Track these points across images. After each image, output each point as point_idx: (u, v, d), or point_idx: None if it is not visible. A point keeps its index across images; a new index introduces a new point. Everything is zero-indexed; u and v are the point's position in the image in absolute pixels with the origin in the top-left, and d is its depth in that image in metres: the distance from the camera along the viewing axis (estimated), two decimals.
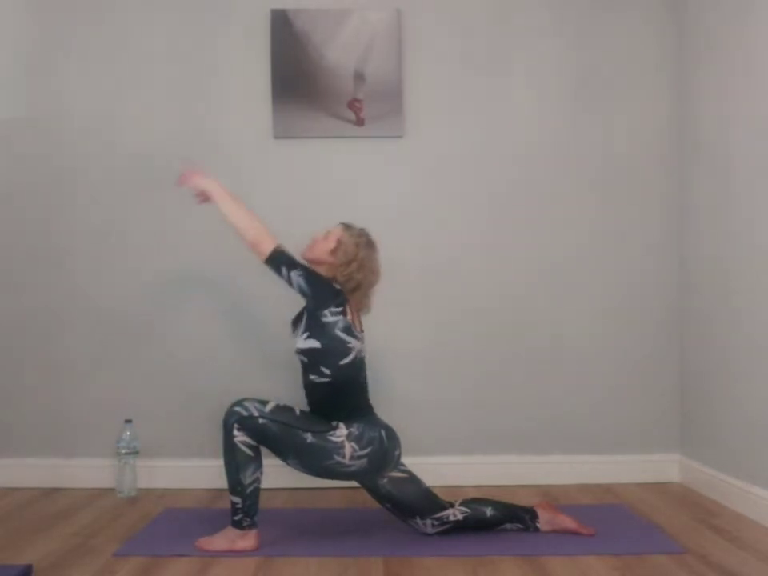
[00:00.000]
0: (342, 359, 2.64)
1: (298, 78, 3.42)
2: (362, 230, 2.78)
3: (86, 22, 3.46)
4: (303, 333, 2.66)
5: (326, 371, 2.63)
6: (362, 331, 2.74)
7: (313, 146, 3.45)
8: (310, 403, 2.72)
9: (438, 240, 3.47)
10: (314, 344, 2.63)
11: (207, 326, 3.45)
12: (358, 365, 2.70)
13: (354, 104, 3.43)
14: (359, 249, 2.70)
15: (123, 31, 3.46)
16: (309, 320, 2.66)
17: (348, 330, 2.64)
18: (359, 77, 3.42)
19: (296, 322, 2.73)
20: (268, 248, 2.62)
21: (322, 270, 2.71)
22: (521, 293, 3.46)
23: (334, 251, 2.70)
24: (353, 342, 2.65)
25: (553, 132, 3.47)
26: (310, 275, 2.62)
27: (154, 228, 3.46)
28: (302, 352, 2.67)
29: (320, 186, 3.46)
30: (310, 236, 2.79)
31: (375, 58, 3.42)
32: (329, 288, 2.65)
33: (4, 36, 3.49)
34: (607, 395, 3.45)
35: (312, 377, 2.66)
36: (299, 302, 3.38)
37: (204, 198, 2.75)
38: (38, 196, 3.46)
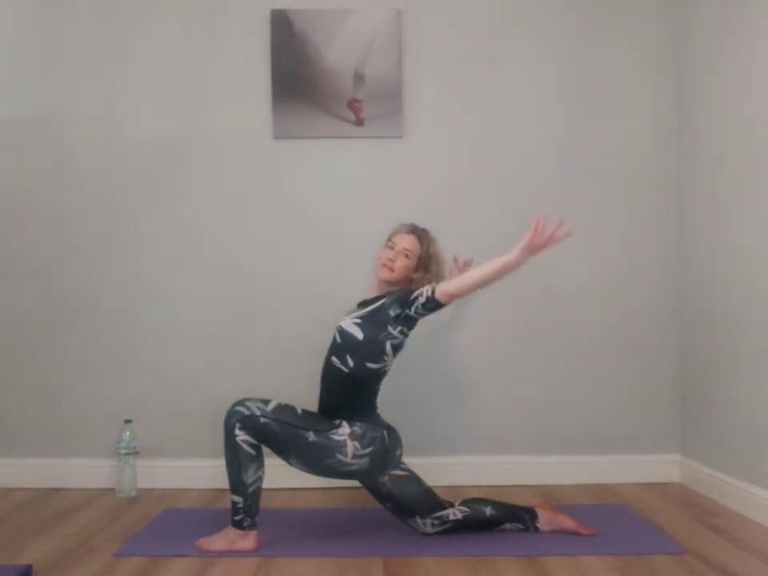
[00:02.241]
0: (370, 362, 2.64)
1: (297, 78, 3.42)
2: (426, 231, 2.81)
3: (87, 22, 3.46)
4: (356, 318, 2.67)
5: (350, 363, 2.64)
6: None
7: (313, 146, 3.45)
8: (321, 387, 2.72)
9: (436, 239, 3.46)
10: (357, 333, 2.64)
11: (208, 325, 3.45)
12: (379, 375, 2.70)
13: (353, 104, 3.43)
14: (438, 255, 2.76)
15: (123, 31, 3.46)
16: (374, 313, 2.66)
17: (397, 349, 2.66)
18: (359, 77, 3.42)
19: (362, 304, 2.74)
20: (442, 295, 2.56)
21: (405, 280, 2.73)
22: (521, 293, 3.45)
23: (422, 266, 2.74)
24: (390, 359, 2.66)
25: (553, 132, 3.47)
26: (429, 309, 2.60)
27: (154, 228, 3.46)
28: (341, 332, 2.67)
29: (320, 186, 3.46)
30: (386, 258, 2.79)
31: (375, 58, 3.42)
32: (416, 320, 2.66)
33: (4, 36, 3.49)
34: (607, 395, 3.45)
35: (334, 359, 2.67)
36: (299, 302, 3.40)
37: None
38: (38, 196, 3.46)
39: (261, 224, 3.45)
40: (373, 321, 2.65)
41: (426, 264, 2.74)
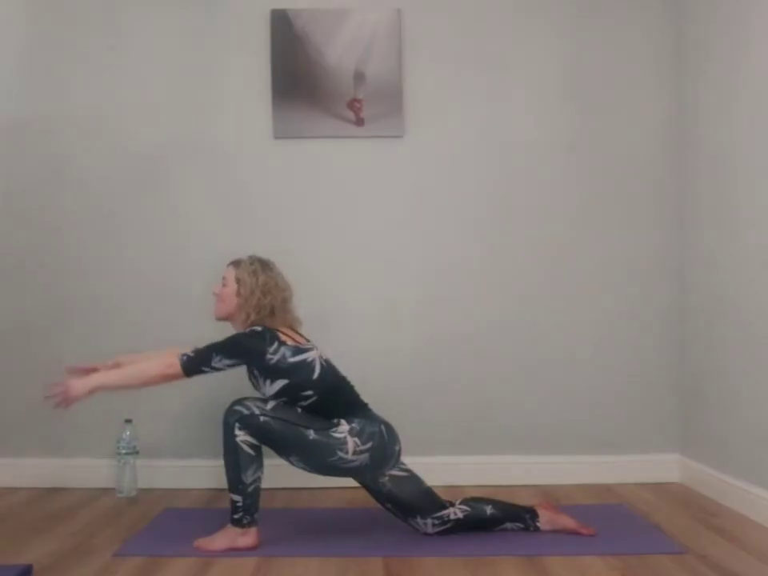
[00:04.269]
0: (312, 375, 2.63)
1: (298, 78, 3.42)
2: (250, 257, 2.80)
3: (86, 22, 3.46)
4: (265, 381, 2.65)
5: (308, 392, 2.63)
6: (309, 340, 2.75)
7: (313, 146, 3.45)
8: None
9: (437, 239, 3.47)
10: (282, 383, 2.62)
11: (207, 325, 3.44)
12: (329, 368, 2.70)
13: (353, 104, 3.43)
14: (256, 275, 2.73)
15: (123, 31, 3.46)
16: (260, 371, 2.65)
17: (297, 351, 2.64)
18: (359, 77, 3.42)
19: (251, 378, 2.73)
20: (176, 368, 2.57)
21: (240, 317, 2.72)
22: (521, 292, 3.46)
23: (238, 292, 2.72)
24: (310, 355, 2.65)
25: (553, 132, 3.47)
26: (226, 349, 2.60)
27: (153, 227, 3.46)
28: (277, 395, 2.65)
29: (320, 186, 3.46)
30: (213, 291, 2.83)
31: (375, 58, 3.42)
32: (249, 338, 2.63)
33: (4, 36, 3.49)
34: (607, 395, 3.45)
35: (298, 404, 2.66)
36: (299, 302, 3.38)
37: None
38: (38, 196, 3.46)
39: (261, 224, 3.45)
40: (270, 371, 2.62)
41: (238, 288, 2.73)
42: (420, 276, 3.45)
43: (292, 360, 2.62)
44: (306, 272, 3.43)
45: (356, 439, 2.57)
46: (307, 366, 2.64)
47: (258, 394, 2.68)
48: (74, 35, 3.46)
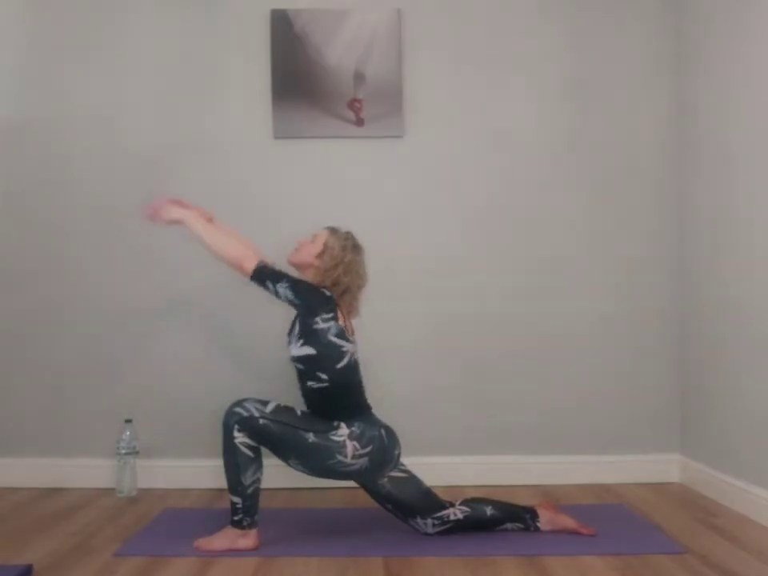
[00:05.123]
0: (337, 363, 2.64)
1: (297, 78, 3.42)
2: (348, 233, 2.80)
3: (86, 22, 3.46)
4: (298, 340, 2.66)
5: (324, 376, 2.64)
6: (353, 334, 2.76)
7: (313, 146, 3.45)
8: (309, 407, 2.72)
9: (437, 239, 3.47)
10: (309, 350, 2.64)
11: (207, 325, 3.45)
12: (353, 367, 2.71)
13: (353, 104, 3.43)
14: (345, 252, 2.73)
15: (123, 31, 3.46)
16: (302, 328, 2.66)
17: (341, 335, 2.65)
18: (359, 77, 3.42)
19: (290, 331, 2.73)
20: (251, 265, 2.62)
21: (308, 275, 2.74)
22: (520, 292, 3.46)
23: (320, 255, 2.73)
24: (346, 346, 2.66)
25: (553, 132, 3.47)
26: (296, 285, 2.63)
27: (153, 227, 3.45)
28: (298, 359, 2.67)
29: (320, 186, 3.46)
30: (296, 240, 2.83)
31: (375, 58, 3.42)
32: (319, 295, 2.66)
33: (4, 36, 3.49)
34: (607, 395, 3.45)
35: (310, 383, 2.67)
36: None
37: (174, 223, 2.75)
38: (38, 196, 3.46)
39: (261, 224, 3.44)
40: (308, 333, 2.64)
41: (322, 252, 2.74)
42: (419, 276, 3.45)
43: (332, 339, 2.63)
44: None
45: (355, 443, 2.57)
46: (339, 352, 2.64)
47: (257, 395, 2.68)
48: (74, 35, 3.46)
